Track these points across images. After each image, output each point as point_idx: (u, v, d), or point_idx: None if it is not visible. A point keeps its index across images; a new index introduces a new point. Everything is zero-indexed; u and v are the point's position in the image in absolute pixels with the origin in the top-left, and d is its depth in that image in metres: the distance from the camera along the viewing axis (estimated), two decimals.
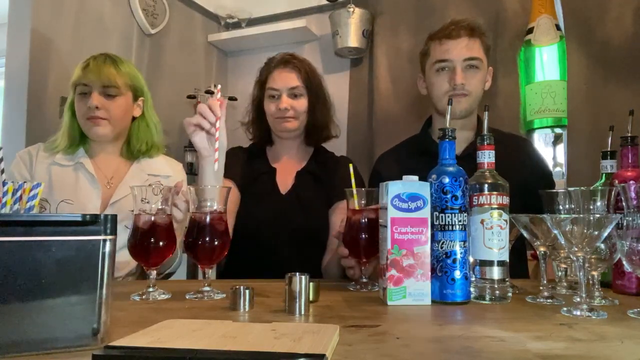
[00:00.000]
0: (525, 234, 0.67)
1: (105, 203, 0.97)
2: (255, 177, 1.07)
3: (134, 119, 1.04)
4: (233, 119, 1.20)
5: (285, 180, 1.07)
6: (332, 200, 1.06)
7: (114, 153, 1.03)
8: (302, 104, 1.05)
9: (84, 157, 1.00)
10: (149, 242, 0.66)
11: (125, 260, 0.95)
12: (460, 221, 0.63)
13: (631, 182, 0.64)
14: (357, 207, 0.76)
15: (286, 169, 1.09)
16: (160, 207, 0.68)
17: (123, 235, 0.93)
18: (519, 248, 0.96)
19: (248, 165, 1.09)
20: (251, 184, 1.06)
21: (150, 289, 0.65)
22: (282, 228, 1.00)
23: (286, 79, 1.04)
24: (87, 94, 0.96)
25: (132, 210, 0.69)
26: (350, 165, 0.84)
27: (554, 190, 0.73)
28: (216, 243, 0.66)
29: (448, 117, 0.70)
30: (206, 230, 0.66)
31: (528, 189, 0.85)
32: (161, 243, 0.67)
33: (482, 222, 0.65)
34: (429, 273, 0.62)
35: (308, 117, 1.06)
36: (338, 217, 1.04)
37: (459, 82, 0.96)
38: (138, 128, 1.03)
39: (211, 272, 0.68)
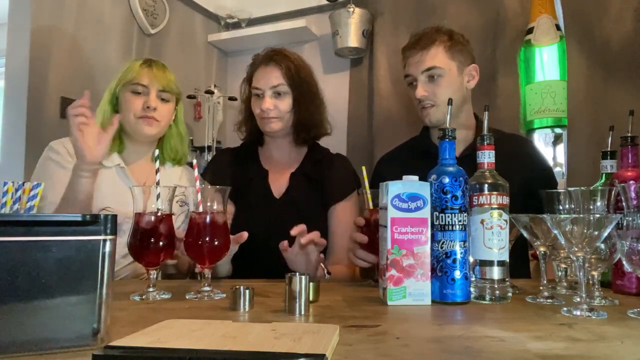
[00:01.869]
0: (525, 234, 0.67)
1: None
2: (247, 181, 1.03)
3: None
4: (234, 119, 1.19)
5: (278, 183, 1.02)
6: (328, 202, 1.02)
7: (144, 158, 1.03)
8: (285, 103, 0.99)
9: (121, 161, 0.99)
10: (149, 241, 0.66)
11: (130, 261, 0.94)
12: (460, 221, 0.63)
13: (631, 182, 0.64)
14: (371, 207, 0.78)
15: (279, 170, 1.04)
16: (160, 206, 0.68)
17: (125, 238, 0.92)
18: (520, 249, 0.96)
19: (238, 169, 1.05)
20: (243, 189, 1.01)
21: (150, 289, 0.65)
22: (278, 233, 0.94)
23: (268, 77, 0.99)
24: (142, 94, 0.97)
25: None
26: (364, 168, 0.84)
27: (554, 190, 0.73)
28: (216, 243, 0.66)
29: (448, 117, 0.70)
30: (206, 231, 0.66)
31: (529, 189, 0.85)
32: (161, 243, 0.67)
33: (482, 222, 0.65)
34: (429, 273, 0.62)
35: (294, 116, 1.00)
36: (339, 221, 1.00)
37: (418, 96, 0.99)
38: (171, 136, 1.05)
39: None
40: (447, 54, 0.99)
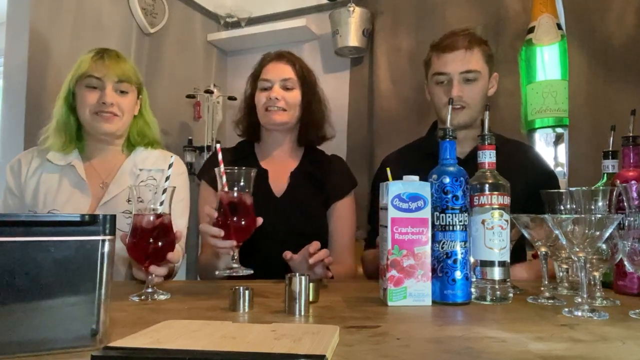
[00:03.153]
0: (526, 234, 0.66)
1: (95, 205, 0.93)
2: None
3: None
4: (234, 119, 1.18)
5: (279, 182, 1.02)
6: (328, 201, 1.03)
7: (111, 151, 0.99)
8: (294, 95, 1.00)
9: (77, 159, 0.95)
10: (148, 242, 0.66)
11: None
12: (461, 221, 0.63)
13: (633, 182, 0.63)
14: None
15: (278, 169, 1.03)
16: (156, 206, 0.67)
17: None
18: (518, 249, 0.95)
19: None
20: None
21: (149, 290, 0.65)
22: (280, 232, 0.96)
23: (279, 71, 1.00)
24: (98, 88, 0.91)
25: (124, 212, 0.68)
26: (388, 170, 0.83)
27: (555, 191, 0.73)
28: (243, 223, 0.69)
29: (449, 117, 0.69)
30: (235, 210, 0.69)
31: (531, 197, 0.85)
32: (160, 243, 0.67)
33: (483, 222, 0.64)
34: (430, 273, 0.61)
35: (302, 113, 1.01)
36: (339, 220, 1.01)
37: (455, 95, 0.97)
38: (137, 126, 1.01)
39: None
40: (483, 58, 1.00)
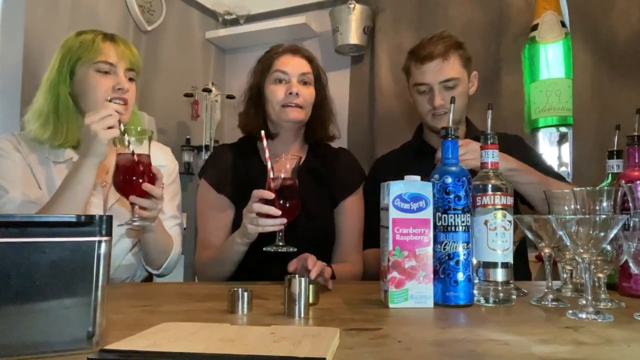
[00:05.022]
0: (529, 235, 0.66)
1: (105, 206, 0.90)
2: (248, 181, 0.95)
3: None
4: (233, 119, 1.16)
5: None
6: (336, 199, 1.00)
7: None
8: (311, 92, 0.97)
9: (75, 155, 0.88)
10: (132, 178, 0.74)
11: (130, 263, 0.91)
12: (463, 222, 0.62)
13: (638, 182, 0.63)
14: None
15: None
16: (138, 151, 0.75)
17: (125, 240, 0.89)
18: (520, 250, 0.95)
19: (239, 167, 1.00)
20: (245, 190, 0.93)
21: (135, 218, 0.74)
22: (285, 232, 0.90)
23: (297, 64, 0.97)
24: (110, 73, 0.86)
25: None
26: None
27: (559, 190, 0.72)
28: (289, 205, 0.76)
29: (451, 115, 0.69)
30: (285, 192, 0.76)
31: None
32: (140, 180, 0.75)
33: (485, 223, 0.64)
34: (432, 275, 0.61)
35: (313, 111, 0.98)
36: (347, 217, 0.98)
37: (437, 105, 1.01)
38: (133, 115, 0.96)
39: None
40: (461, 63, 1.02)
